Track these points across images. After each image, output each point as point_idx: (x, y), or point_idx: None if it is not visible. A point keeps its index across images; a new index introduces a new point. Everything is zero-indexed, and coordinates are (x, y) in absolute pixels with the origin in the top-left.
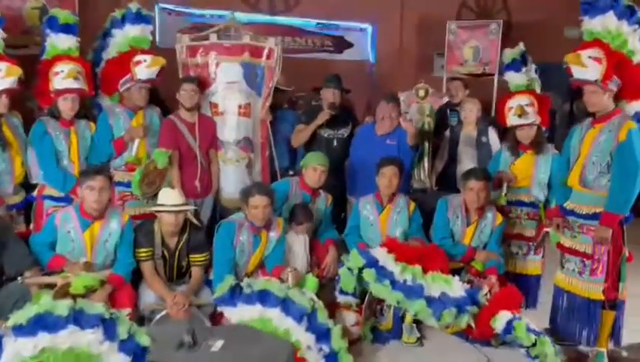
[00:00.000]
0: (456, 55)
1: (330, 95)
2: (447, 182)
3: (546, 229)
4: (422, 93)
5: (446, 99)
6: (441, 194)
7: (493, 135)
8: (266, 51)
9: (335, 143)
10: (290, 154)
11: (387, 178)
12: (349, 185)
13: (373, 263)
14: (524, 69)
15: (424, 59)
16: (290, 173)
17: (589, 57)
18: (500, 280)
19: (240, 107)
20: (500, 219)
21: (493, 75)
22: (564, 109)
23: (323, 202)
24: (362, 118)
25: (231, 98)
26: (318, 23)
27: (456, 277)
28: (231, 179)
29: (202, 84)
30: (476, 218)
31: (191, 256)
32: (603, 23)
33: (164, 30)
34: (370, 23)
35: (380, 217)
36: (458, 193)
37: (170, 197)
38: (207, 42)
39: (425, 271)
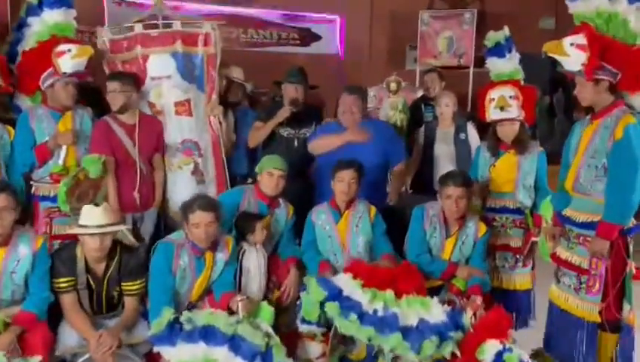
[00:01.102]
0: (429, 47)
1: (292, 90)
2: (422, 184)
3: (534, 239)
4: (393, 86)
5: (420, 93)
6: (416, 198)
7: (472, 132)
8: (201, 37)
9: (296, 144)
10: (249, 159)
11: (345, 183)
12: (317, 193)
13: (336, 294)
14: (508, 56)
15: (396, 52)
16: (249, 180)
17: (572, 44)
18: (486, 299)
19: (176, 105)
20: (483, 229)
21: (468, 67)
22: (544, 103)
23: (283, 213)
24: (333, 117)
25: (164, 95)
26: (283, 14)
27: (435, 299)
28: (177, 188)
29: (137, 81)
30: (456, 229)
31: (123, 284)
32: (590, 3)
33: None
34: (338, 14)
35: (338, 226)
36: (435, 197)
37: (92, 216)
38: (132, 34)
39: (398, 295)
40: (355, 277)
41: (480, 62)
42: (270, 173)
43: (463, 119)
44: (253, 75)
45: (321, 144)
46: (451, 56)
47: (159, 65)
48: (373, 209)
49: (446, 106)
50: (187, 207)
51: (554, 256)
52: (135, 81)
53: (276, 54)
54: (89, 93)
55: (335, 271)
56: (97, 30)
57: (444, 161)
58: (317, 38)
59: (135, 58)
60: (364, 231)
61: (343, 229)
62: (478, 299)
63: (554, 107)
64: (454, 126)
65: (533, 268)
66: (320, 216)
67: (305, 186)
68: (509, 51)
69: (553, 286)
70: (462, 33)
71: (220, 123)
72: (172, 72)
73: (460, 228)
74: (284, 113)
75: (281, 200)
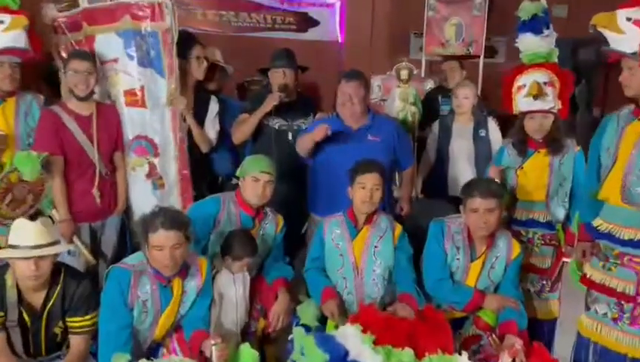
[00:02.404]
0: (436, 34)
1: (279, 76)
2: (436, 188)
3: (565, 259)
4: (404, 74)
5: (429, 84)
6: (429, 203)
7: (493, 128)
8: (155, 10)
9: (290, 136)
10: (234, 155)
11: (367, 190)
12: (311, 198)
13: (340, 358)
14: (545, 32)
15: (400, 40)
16: (234, 182)
17: (629, 19)
18: (523, 338)
19: (125, 94)
20: (517, 249)
21: (478, 57)
22: None
23: (271, 226)
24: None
25: (113, 83)
26: None
27: (465, 356)
28: (135, 194)
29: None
30: (484, 249)
31: (68, 319)
32: None
33: None
34: None
35: (354, 244)
36: (451, 202)
37: (25, 233)
38: (77, 10)
39: (419, 353)
40: (364, 331)
41: (490, 51)
42: (255, 178)
43: (483, 114)
44: (245, 63)
45: (299, 143)
46: (460, 44)
47: (106, 47)
48: (399, 227)
49: (465, 98)
50: (147, 225)
51: (585, 279)
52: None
53: (270, 40)
54: (52, 77)
55: (341, 302)
56: (42, 7)
57: (462, 160)
58: (315, 23)
59: (85, 40)
60: (385, 254)
61: (359, 248)
62: (518, 343)
63: (575, 100)
64: (473, 121)
65: (559, 293)
66: (333, 229)
67: (301, 189)
68: (547, 27)
69: (584, 316)
70: (472, 20)
71: (184, 118)
72: (119, 54)
73: (489, 249)
74: (271, 100)
75: (268, 210)
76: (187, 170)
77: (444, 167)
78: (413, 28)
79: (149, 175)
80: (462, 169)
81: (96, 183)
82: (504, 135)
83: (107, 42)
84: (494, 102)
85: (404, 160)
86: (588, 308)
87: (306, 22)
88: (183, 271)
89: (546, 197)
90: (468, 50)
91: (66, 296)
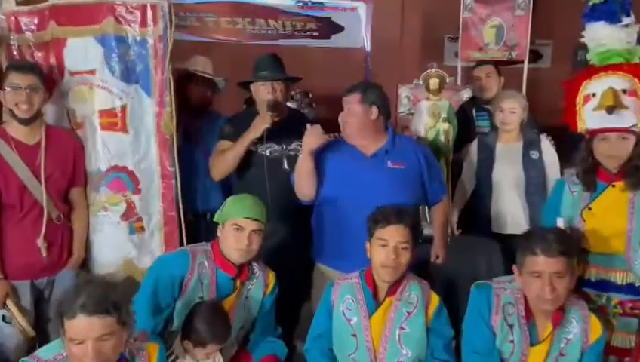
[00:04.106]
0: (473, 37)
1: (265, 91)
2: (476, 223)
3: None
4: (434, 83)
5: (465, 94)
6: (468, 243)
7: (548, 148)
8: (146, 12)
9: (285, 165)
10: (223, 191)
11: (390, 250)
12: (316, 243)
13: None
14: (625, 20)
15: (432, 45)
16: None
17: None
18: None
19: (102, 114)
20: (597, 329)
21: (521, 62)
22: None
23: (258, 288)
24: None
25: (87, 100)
26: (298, 1)
27: None
28: (99, 240)
29: (48, 78)
30: (549, 329)
31: None
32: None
33: None
34: (364, 0)
35: (372, 323)
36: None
37: None
38: (44, 5)
39: None
40: None
41: (534, 56)
42: (237, 227)
43: (535, 131)
44: None
45: (296, 179)
46: (501, 48)
47: (80, 54)
48: (435, 300)
49: (511, 113)
50: (63, 307)
51: None
52: (45, 77)
53: (290, 49)
54: None
55: None
56: None
57: (508, 189)
58: (339, 28)
59: (51, 42)
60: (414, 339)
61: (379, 329)
62: None
63: None
64: (522, 140)
65: None
66: (345, 297)
67: (303, 229)
68: (627, 13)
69: None
70: (514, 20)
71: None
72: (97, 65)
73: (556, 328)
74: (261, 124)
75: (255, 266)
76: (174, 211)
77: (486, 199)
78: (447, 31)
79: (125, 216)
80: (508, 200)
81: (42, 231)
82: (564, 159)
83: (82, 48)
84: (540, 116)
85: (435, 191)
86: None
87: (329, 28)
88: None
89: (626, 249)
90: (510, 54)
91: None
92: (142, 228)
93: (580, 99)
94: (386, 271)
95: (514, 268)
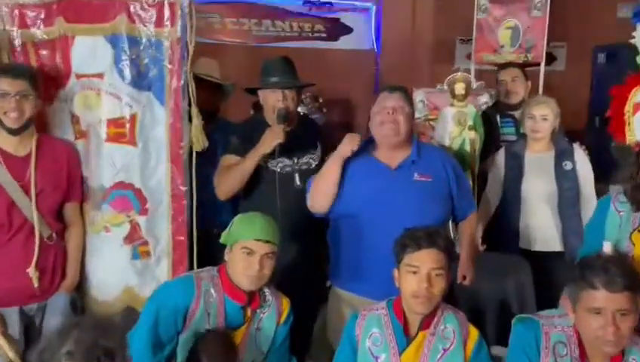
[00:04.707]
0: (488, 39)
1: (275, 98)
2: (503, 239)
3: None
4: (460, 88)
5: (484, 99)
6: (495, 260)
7: (582, 158)
8: (162, 10)
9: (297, 180)
10: (234, 207)
11: (422, 278)
12: (333, 265)
13: None
14: None
15: (443, 47)
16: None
17: None
18: None
19: (110, 124)
20: None
21: (538, 64)
22: None
23: (271, 317)
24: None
25: (93, 107)
26: (306, 2)
27: None
28: (97, 263)
29: (47, 78)
30: None
31: None
32: None
33: None
34: (373, 1)
35: (403, 360)
36: (521, 257)
37: None
38: None
39: None
40: None
41: (548, 58)
42: (248, 250)
43: (566, 140)
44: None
45: (314, 191)
46: (516, 50)
47: (87, 55)
48: (474, 333)
49: (543, 120)
50: (45, 356)
51: None
52: (37, 80)
53: (297, 51)
54: None
55: None
56: None
57: (539, 203)
58: (347, 30)
59: (58, 40)
60: None
61: None
62: None
63: None
64: (554, 150)
65: None
66: (371, 331)
67: (318, 249)
68: None
69: None
70: (531, 21)
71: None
72: (106, 68)
73: None
74: (272, 138)
75: (267, 292)
76: (184, 235)
77: (514, 212)
78: (459, 33)
79: (129, 238)
80: (539, 215)
81: (34, 257)
82: (602, 173)
83: (90, 48)
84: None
85: (463, 205)
86: None
87: (338, 29)
88: None
89: None
90: (526, 56)
91: None
92: (147, 253)
93: (629, 107)
94: (417, 302)
95: (564, 300)
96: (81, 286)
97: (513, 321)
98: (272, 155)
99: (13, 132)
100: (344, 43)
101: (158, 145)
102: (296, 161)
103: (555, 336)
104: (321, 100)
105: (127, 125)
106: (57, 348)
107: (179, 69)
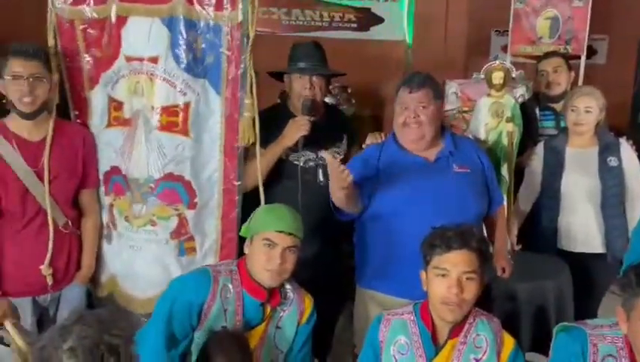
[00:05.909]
0: (525, 30)
1: (303, 86)
2: (539, 239)
3: None
4: (498, 77)
5: (521, 91)
6: (531, 262)
7: (628, 154)
8: None
9: (320, 176)
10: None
11: (453, 281)
12: (359, 265)
13: None
14: None
15: (478, 38)
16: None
17: None
18: None
19: (163, 112)
20: None
21: (578, 57)
22: None
23: (292, 316)
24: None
25: (144, 93)
26: None
27: None
28: (143, 259)
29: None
30: None
31: None
32: None
33: None
34: None
35: None
36: (560, 259)
37: None
38: None
39: None
40: None
41: (589, 52)
42: (269, 242)
43: (612, 134)
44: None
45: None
46: (555, 42)
47: (141, 38)
48: (510, 341)
49: (587, 112)
50: (44, 353)
51: None
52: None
53: (327, 41)
54: None
55: None
56: None
57: (580, 201)
58: (379, 20)
59: (107, 20)
60: None
61: None
62: None
63: None
64: (599, 145)
65: None
66: (397, 337)
67: (336, 249)
68: None
69: None
70: (572, 12)
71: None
72: (162, 52)
73: None
74: (297, 130)
75: (288, 288)
76: (234, 232)
77: (553, 211)
78: (494, 24)
79: (175, 233)
80: (581, 214)
81: (48, 253)
82: None
83: (144, 30)
84: None
85: (497, 198)
86: None
87: (369, 19)
88: None
89: None
90: (565, 48)
91: None
92: (193, 250)
93: None
94: (447, 309)
95: (618, 310)
96: (94, 278)
97: (555, 329)
98: (294, 148)
99: (27, 116)
100: (375, 33)
101: (212, 137)
102: (320, 155)
103: (603, 349)
104: (350, 91)
105: (181, 114)
106: (59, 344)
107: (238, 57)
